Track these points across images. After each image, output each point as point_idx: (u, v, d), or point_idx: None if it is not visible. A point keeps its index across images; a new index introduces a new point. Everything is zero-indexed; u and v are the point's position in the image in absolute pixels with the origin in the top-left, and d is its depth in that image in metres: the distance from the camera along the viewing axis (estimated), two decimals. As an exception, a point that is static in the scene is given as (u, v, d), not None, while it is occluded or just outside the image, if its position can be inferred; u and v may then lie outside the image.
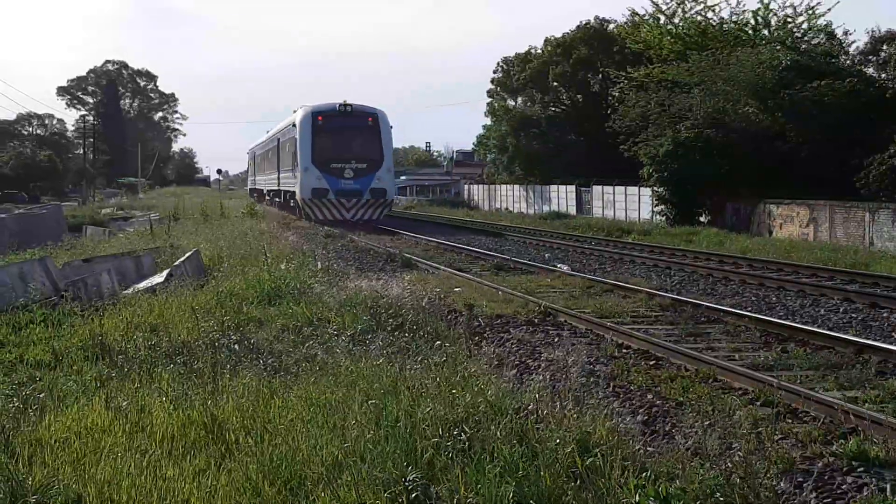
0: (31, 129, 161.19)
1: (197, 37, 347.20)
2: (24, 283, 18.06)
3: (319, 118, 46.28)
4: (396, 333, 12.42)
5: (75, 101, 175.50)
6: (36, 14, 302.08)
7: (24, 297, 17.31)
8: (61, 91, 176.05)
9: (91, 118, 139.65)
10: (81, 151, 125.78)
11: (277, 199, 58.66)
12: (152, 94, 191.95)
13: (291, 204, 51.08)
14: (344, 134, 45.90)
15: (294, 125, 48.35)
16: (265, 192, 67.61)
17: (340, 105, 46.69)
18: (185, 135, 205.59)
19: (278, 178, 56.62)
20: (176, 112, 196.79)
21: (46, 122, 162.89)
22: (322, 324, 13.79)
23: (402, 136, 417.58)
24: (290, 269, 20.11)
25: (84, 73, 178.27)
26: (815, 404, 9.79)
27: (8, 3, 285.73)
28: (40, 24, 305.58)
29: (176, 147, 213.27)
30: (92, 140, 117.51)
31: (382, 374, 9.76)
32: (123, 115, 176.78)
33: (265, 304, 16.47)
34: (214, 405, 9.08)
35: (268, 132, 66.54)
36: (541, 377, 10.77)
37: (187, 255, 22.56)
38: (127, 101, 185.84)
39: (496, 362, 11.47)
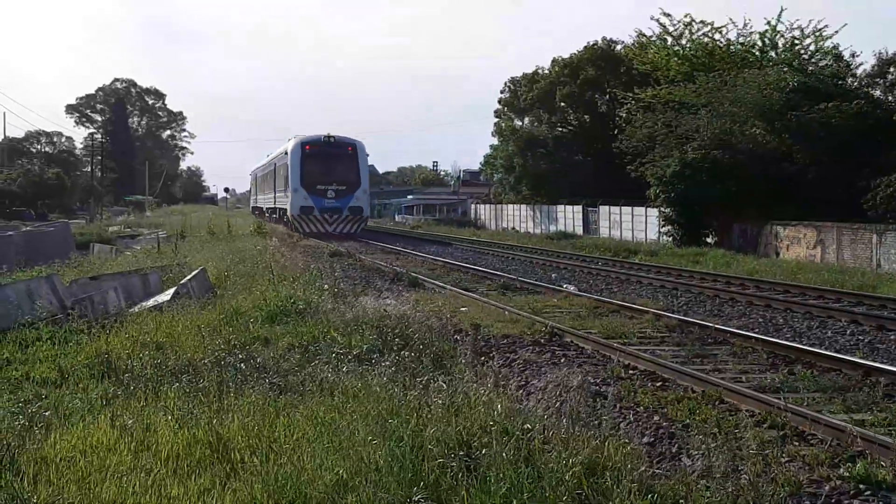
0: (39, 146, 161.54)
1: (205, 54, 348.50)
2: (31, 301, 18.06)
3: (307, 147, 55.20)
4: (403, 353, 12.40)
5: (84, 119, 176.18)
6: (47, 31, 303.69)
7: (31, 314, 17.31)
8: (70, 109, 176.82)
9: (99, 136, 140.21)
10: (89, 169, 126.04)
11: (274, 216, 66.95)
12: (160, 113, 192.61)
13: (285, 220, 59.69)
14: (328, 161, 54.55)
15: (286, 153, 57.24)
16: (265, 209, 75.64)
17: (325, 136, 55.67)
18: (192, 153, 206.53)
19: (274, 198, 65.96)
20: (184, 130, 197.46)
21: (55, 139, 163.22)
22: (328, 343, 13.78)
23: (410, 155, 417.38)
24: (297, 288, 20.13)
25: (93, 91, 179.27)
26: (822, 427, 9.76)
27: (19, 20, 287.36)
28: (51, 41, 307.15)
29: (183, 165, 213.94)
30: (100, 158, 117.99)
31: (388, 394, 9.75)
32: (132, 133, 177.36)
33: (271, 323, 16.47)
34: (220, 424, 9.07)
35: (268, 156, 74.90)
36: (547, 398, 10.75)
37: (194, 273, 22.59)
38: (135, 119, 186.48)
39: (503, 382, 11.44)
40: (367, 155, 56.99)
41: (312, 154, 55.05)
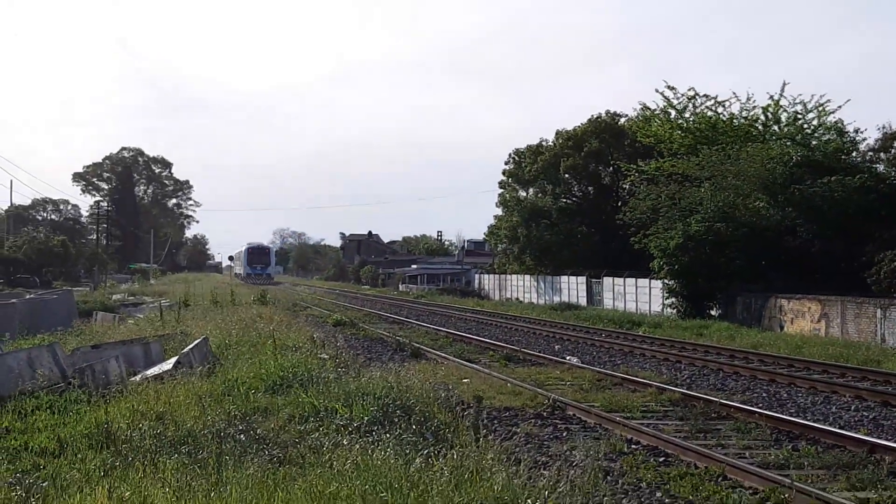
0: (45, 214, 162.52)
1: (213, 128, 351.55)
2: (32, 369, 18.01)
3: (250, 249, 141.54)
4: (404, 425, 12.32)
5: (90, 188, 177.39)
6: (54, 99, 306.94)
7: (32, 382, 17.26)
8: (77, 177, 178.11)
9: (105, 204, 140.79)
10: (95, 237, 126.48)
11: (238, 276, 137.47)
12: (167, 181, 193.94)
13: (241, 277, 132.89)
14: (258, 254, 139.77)
15: (243, 250, 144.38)
16: (237, 274, 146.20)
17: (258, 244, 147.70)
18: (198, 221, 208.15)
19: (240, 268, 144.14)
20: (190, 199, 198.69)
21: (61, 207, 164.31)
22: (329, 414, 13.69)
23: (414, 224, 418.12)
24: (299, 358, 20.05)
25: (100, 160, 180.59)
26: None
27: (28, 89, 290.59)
28: (59, 109, 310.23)
29: (189, 233, 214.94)
30: (105, 226, 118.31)
31: (390, 468, 9.65)
32: (137, 201, 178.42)
33: (273, 393, 16.38)
34: (218, 497, 8.96)
35: (241, 247, 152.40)
36: (550, 473, 10.64)
37: (196, 342, 22.52)
38: (142, 187, 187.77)
39: (505, 456, 11.35)
40: (276, 251, 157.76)
41: (252, 251, 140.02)
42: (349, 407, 14.02)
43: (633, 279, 54.39)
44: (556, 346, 30.88)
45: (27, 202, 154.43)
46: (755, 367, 24.05)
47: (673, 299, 45.14)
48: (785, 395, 19.52)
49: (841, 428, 14.94)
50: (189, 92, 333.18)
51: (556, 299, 64.23)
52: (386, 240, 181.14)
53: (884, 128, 46.51)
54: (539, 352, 27.88)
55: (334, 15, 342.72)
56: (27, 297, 50.05)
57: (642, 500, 10.46)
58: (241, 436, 11.96)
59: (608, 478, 11.36)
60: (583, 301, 61.19)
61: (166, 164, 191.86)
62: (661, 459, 12.47)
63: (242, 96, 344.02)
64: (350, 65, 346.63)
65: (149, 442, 11.93)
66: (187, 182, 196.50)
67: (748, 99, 54.34)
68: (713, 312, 43.43)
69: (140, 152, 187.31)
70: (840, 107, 51.00)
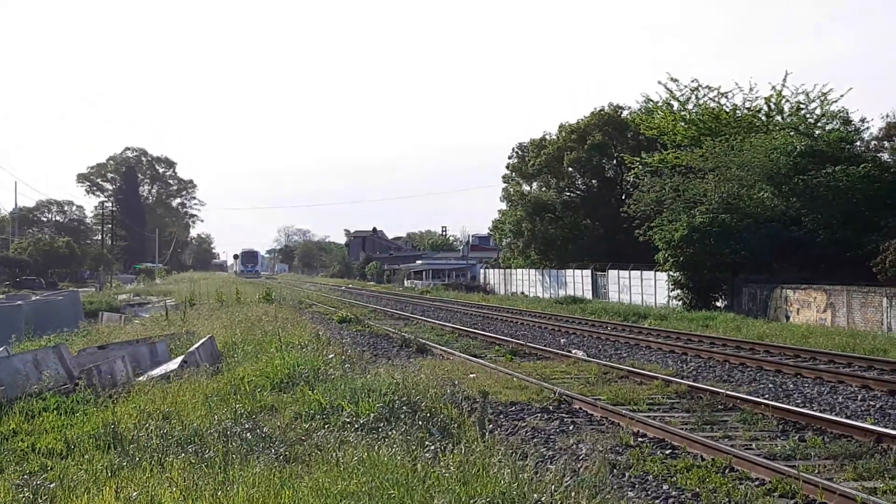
0: (50, 215, 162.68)
1: (216, 129, 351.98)
2: (39, 371, 18.06)
3: (244, 252, 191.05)
4: (410, 422, 12.32)
5: (94, 188, 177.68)
6: (58, 101, 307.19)
7: (38, 384, 17.30)
8: (81, 178, 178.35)
9: (110, 204, 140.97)
10: (100, 237, 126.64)
11: (234, 273, 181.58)
12: (171, 181, 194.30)
13: (237, 274, 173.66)
14: (249, 257, 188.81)
15: (239, 252, 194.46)
16: (235, 272, 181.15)
17: (250, 249, 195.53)
18: (202, 221, 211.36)
19: (237, 266, 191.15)
20: (194, 198, 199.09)
21: (66, 208, 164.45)
22: (335, 411, 13.70)
23: (418, 220, 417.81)
24: (305, 355, 20.07)
25: (104, 160, 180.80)
26: (834, 496, 9.64)
27: (31, 91, 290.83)
28: (63, 111, 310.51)
29: (193, 233, 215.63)
30: (110, 226, 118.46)
31: (396, 464, 9.66)
32: (142, 201, 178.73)
33: (279, 391, 16.41)
34: (224, 496, 8.96)
35: (240, 249, 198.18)
36: (556, 466, 10.65)
37: (202, 341, 22.56)
38: (146, 187, 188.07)
39: (511, 451, 11.35)
40: (263, 254, 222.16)
41: (245, 255, 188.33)
42: (355, 404, 14.03)
43: (639, 272, 54.32)
44: (562, 340, 30.88)
45: (31, 204, 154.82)
46: (761, 357, 24.02)
47: (678, 291, 45.12)
48: (791, 385, 19.50)
49: (847, 418, 14.92)
50: (191, 92, 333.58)
51: (562, 293, 64.21)
52: (390, 236, 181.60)
53: (888, 116, 46.46)
54: (545, 346, 27.89)
55: (338, 17, 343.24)
56: (33, 298, 50.13)
57: (649, 492, 10.45)
58: (248, 434, 11.97)
59: (615, 471, 11.36)
60: (588, 294, 61.17)
61: (170, 164, 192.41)
62: (668, 452, 12.47)
63: (245, 89, 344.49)
64: (355, 63, 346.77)
65: (156, 442, 11.95)
66: (191, 181, 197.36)
67: (751, 89, 54.49)
68: (719, 304, 43.39)
69: (144, 152, 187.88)
70: (842, 95, 50.92)
